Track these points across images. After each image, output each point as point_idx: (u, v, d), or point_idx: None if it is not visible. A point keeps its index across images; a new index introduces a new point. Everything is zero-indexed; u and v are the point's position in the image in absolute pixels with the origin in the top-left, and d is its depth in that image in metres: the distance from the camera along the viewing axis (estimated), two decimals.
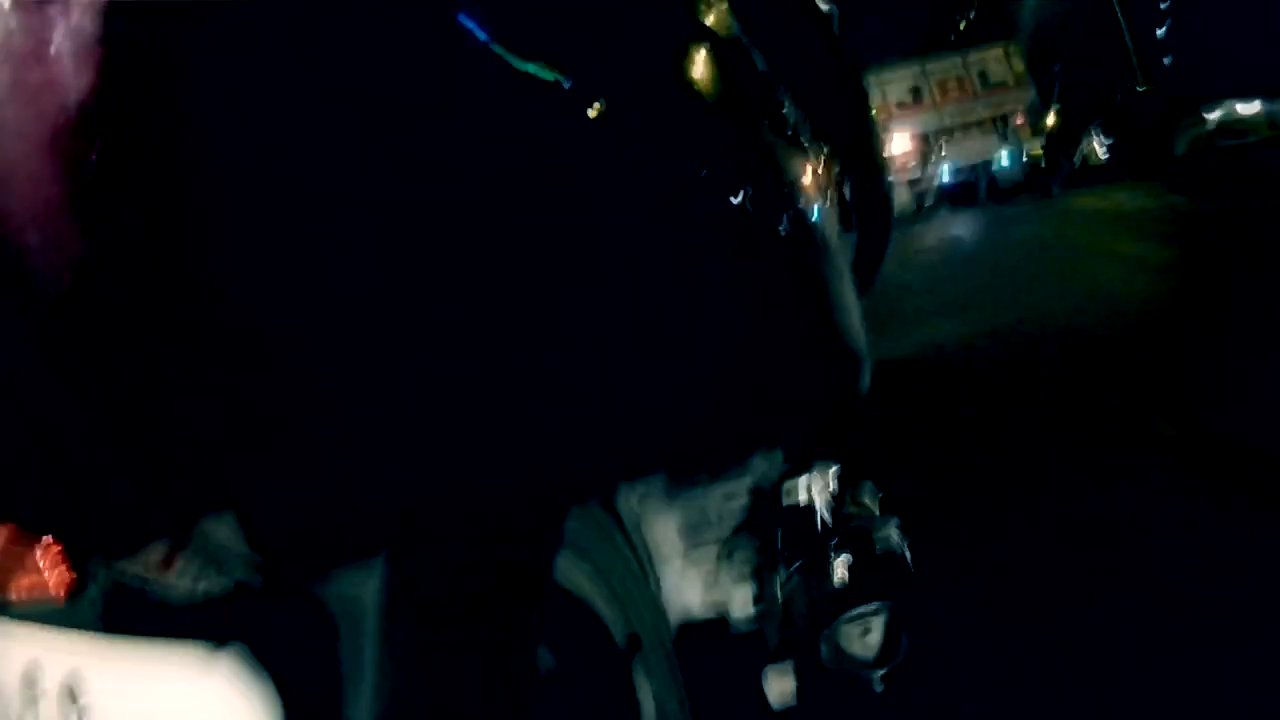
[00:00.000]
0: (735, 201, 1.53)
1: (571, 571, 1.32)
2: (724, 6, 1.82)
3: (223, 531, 0.98)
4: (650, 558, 1.70)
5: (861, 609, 1.66)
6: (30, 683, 1.02)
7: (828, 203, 2.12)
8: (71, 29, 0.94)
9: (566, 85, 1.21)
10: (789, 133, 2.01)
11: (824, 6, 2.06)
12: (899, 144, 21.12)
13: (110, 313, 0.99)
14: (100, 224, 0.97)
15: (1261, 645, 1.95)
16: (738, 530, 1.76)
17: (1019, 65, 22.39)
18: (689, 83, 1.64)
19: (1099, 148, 25.94)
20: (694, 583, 1.74)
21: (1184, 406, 3.68)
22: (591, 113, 1.25)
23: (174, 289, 0.99)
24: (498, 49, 1.15)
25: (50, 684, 1.00)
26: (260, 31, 0.98)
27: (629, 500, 1.61)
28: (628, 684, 1.42)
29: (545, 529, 1.24)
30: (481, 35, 1.14)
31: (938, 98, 21.90)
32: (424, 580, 1.06)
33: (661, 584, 1.74)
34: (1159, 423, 3.57)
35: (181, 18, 0.94)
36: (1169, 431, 3.46)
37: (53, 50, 0.93)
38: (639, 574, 1.57)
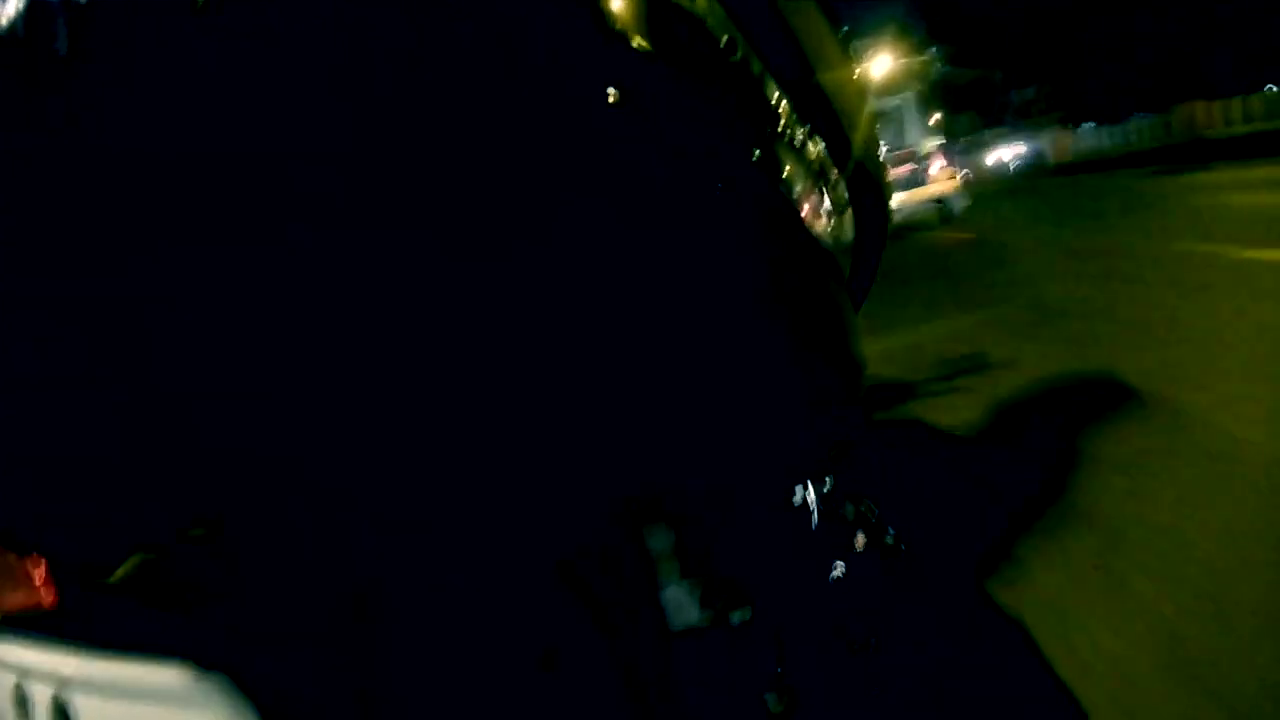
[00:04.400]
0: (739, 208, 1.53)
1: None
2: (722, 11, 1.81)
3: (214, 551, 0.98)
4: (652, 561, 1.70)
5: (857, 609, 1.67)
6: (21, 699, 1.02)
7: (826, 209, 2.12)
8: None
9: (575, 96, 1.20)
10: (786, 137, 2.01)
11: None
12: None
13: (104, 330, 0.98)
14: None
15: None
16: (735, 538, 1.75)
17: None
18: (692, 87, 1.63)
19: None
20: (691, 590, 1.74)
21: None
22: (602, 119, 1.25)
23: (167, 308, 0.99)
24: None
25: (41, 701, 1.00)
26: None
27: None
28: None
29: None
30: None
31: None
32: None
33: (662, 590, 1.74)
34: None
35: None
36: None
37: None
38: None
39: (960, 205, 16.21)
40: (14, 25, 0.94)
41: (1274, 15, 24.84)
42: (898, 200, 15.42)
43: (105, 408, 0.98)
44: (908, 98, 17.51)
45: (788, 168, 1.83)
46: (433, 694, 1.13)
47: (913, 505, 2.81)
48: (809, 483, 1.82)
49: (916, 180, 15.78)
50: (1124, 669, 1.97)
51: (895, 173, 15.34)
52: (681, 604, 1.76)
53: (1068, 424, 3.71)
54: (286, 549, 1.04)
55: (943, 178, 15.90)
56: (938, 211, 15.90)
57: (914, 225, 15.42)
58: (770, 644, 1.73)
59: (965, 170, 20.24)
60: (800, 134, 1.91)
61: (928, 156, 16.17)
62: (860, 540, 1.77)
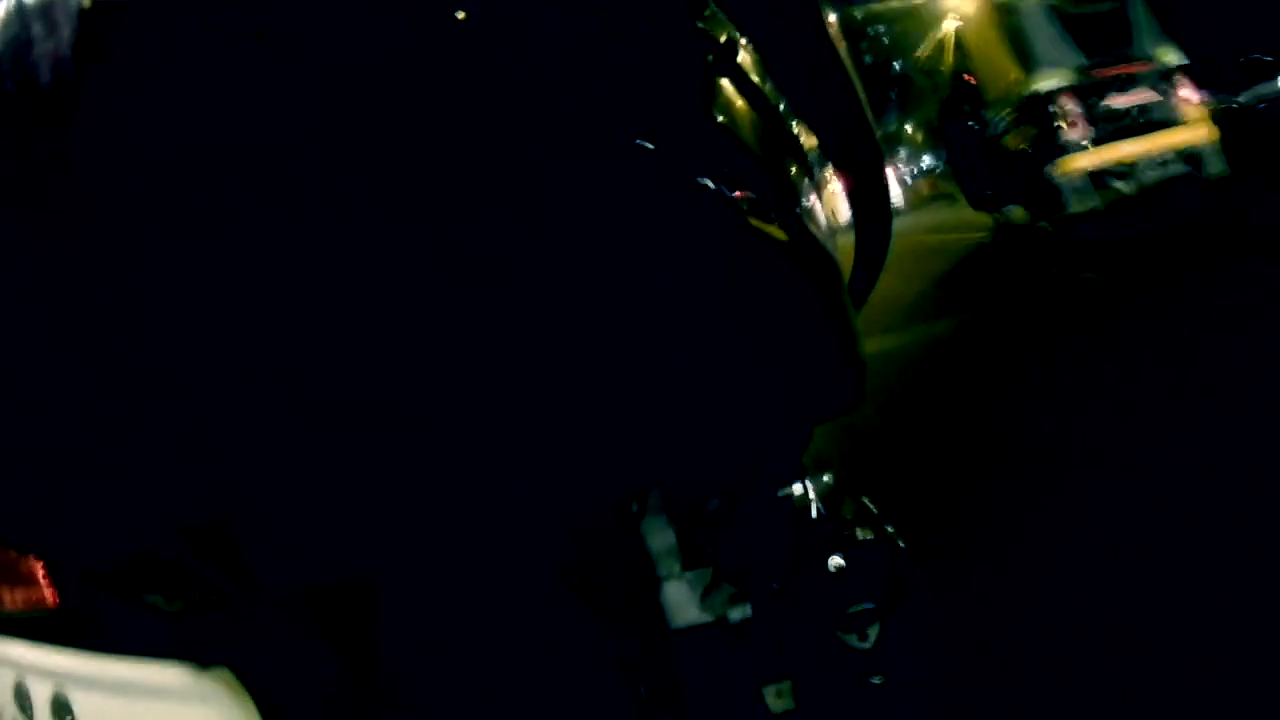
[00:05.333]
0: (733, 206, 1.53)
1: None
2: (717, 6, 1.81)
3: (209, 549, 0.98)
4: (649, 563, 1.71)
5: (855, 610, 1.66)
6: (21, 698, 1.02)
7: (825, 206, 2.11)
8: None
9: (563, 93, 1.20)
10: (784, 132, 2.01)
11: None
12: None
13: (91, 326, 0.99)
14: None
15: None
16: (734, 535, 1.75)
17: None
18: (687, 87, 1.63)
19: None
20: (691, 588, 1.74)
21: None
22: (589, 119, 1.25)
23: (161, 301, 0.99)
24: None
25: (40, 700, 1.00)
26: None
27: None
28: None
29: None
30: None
31: None
32: None
33: (659, 589, 1.74)
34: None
35: None
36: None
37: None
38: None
39: (1218, 168, 8.48)
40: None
41: None
42: (1124, 153, 8.29)
43: (104, 406, 0.98)
44: None
45: (781, 160, 1.83)
46: (432, 692, 1.13)
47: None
48: (808, 478, 1.82)
49: (1156, 117, 8.51)
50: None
51: (1119, 101, 8.53)
52: (681, 602, 1.76)
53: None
54: (286, 546, 1.04)
55: (1195, 117, 8.45)
56: (1185, 177, 8.43)
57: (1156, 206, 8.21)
58: (770, 641, 1.73)
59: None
60: (789, 116, 1.91)
61: (1173, 77, 8.69)
62: (859, 535, 1.77)
